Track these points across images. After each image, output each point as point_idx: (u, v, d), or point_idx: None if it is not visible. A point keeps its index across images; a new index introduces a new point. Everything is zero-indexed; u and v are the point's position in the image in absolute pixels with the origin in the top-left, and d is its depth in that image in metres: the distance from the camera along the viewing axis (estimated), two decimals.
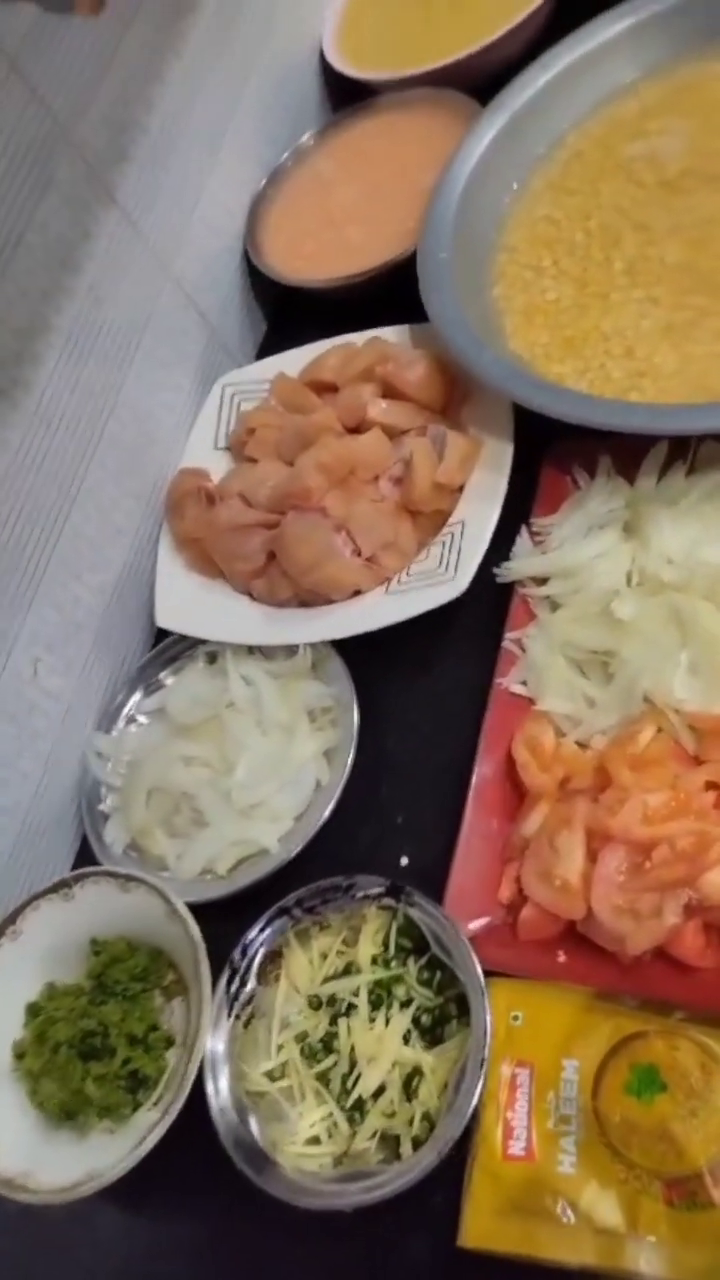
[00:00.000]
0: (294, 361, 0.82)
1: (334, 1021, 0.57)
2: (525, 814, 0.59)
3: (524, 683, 0.64)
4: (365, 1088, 0.54)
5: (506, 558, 0.68)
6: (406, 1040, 0.56)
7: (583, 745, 0.61)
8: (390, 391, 0.75)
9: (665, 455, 0.66)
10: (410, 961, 0.58)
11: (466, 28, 0.89)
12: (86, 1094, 0.58)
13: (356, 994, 0.57)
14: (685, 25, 0.79)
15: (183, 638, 0.76)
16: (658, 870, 0.52)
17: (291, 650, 0.71)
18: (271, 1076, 0.57)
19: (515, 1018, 0.54)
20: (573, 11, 0.83)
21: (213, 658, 0.75)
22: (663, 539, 0.62)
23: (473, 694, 0.65)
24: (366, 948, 0.59)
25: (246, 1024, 0.59)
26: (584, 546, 0.64)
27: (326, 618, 0.71)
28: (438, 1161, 0.50)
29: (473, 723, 0.64)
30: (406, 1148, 0.53)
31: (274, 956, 0.60)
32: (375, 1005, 0.57)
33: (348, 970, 0.59)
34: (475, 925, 0.57)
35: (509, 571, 0.67)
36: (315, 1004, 0.58)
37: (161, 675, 0.76)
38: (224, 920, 0.62)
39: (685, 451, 0.66)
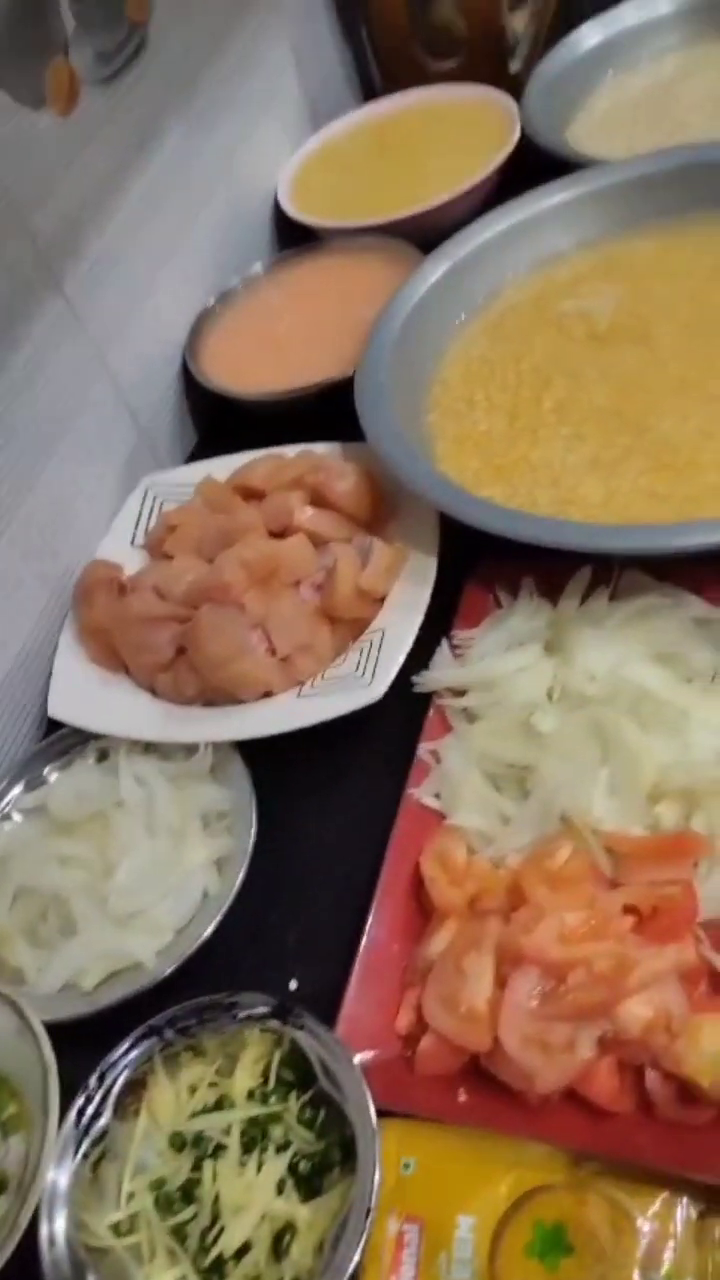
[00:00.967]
0: (222, 468, 0.81)
1: (198, 1166, 0.50)
2: (431, 934, 0.54)
3: (437, 795, 0.60)
4: (228, 1245, 0.46)
5: (426, 668, 0.65)
6: (280, 1190, 0.48)
7: (495, 865, 0.57)
8: (319, 500, 0.74)
9: (588, 582, 0.66)
10: (292, 1098, 0.51)
11: (415, 192, 0.95)
12: None
13: (228, 1132, 0.50)
14: (617, 206, 0.85)
15: (75, 732, 0.70)
16: (574, 994, 0.47)
17: (191, 750, 0.67)
18: (118, 1230, 0.49)
19: (406, 1165, 0.48)
20: (517, 185, 0.89)
21: (104, 754, 0.70)
22: (587, 656, 0.60)
23: (382, 807, 0.61)
24: (244, 1079, 0.52)
25: (95, 1165, 0.51)
26: (505, 660, 0.62)
27: (233, 718, 0.67)
28: None
29: (380, 838, 0.60)
30: None
31: (136, 1086, 0.53)
32: (248, 1148, 0.50)
33: (219, 1105, 0.51)
34: (366, 1056, 0.51)
35: (427, 681, 0.64)
36: (178, 1144, 0.51)
37: (46, 771, 0.70)
38: (82, 1045, 0.55)
39: (608, 578, 0.66)
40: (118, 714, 0.69)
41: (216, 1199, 0.48)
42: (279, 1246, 0.46)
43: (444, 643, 0.67)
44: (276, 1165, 0.49)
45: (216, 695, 0.68)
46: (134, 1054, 0.53)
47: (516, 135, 0.96)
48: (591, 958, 0.48)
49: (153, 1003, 0.56)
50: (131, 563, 0.78)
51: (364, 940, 0.55)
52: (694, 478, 0.67)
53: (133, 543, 0.80)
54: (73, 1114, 0.51)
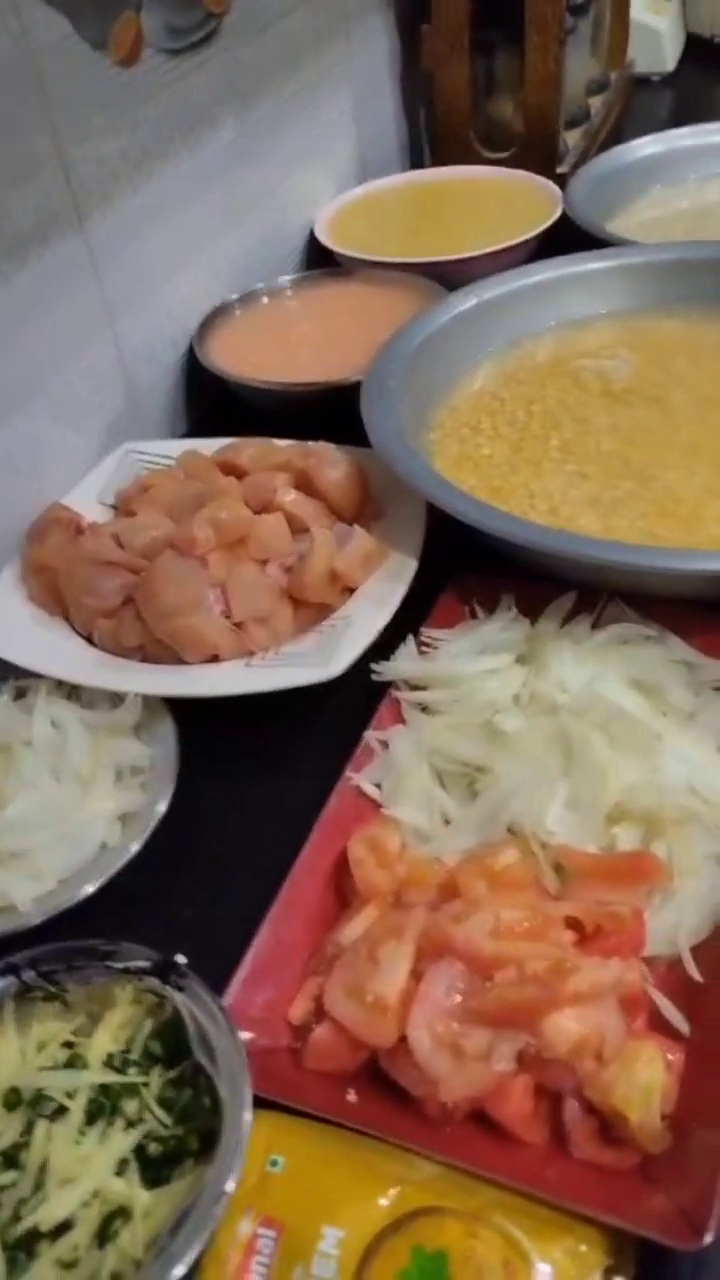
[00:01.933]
0: (209, 447, 0.78)
1: (29, 1129, 0.42)
2: (347, 919, 0.48)
3: (378, 785, 0.55)
4: (45, 1218, 0.38)
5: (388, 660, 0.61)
6: (122, 1171, 0.40)
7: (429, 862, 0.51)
8: (305, 487, 0.71)
9: (570, 608, 0.63)
10: (155, 1073, 0.44)
11: (449, 248, 0.96)
12: None
13: (72, 1096, 0.42)
14: (650, 284, 0.86)
15: None
16: (500, 990, 0.41)
17: (117, 700, 0.61)
18: None
19: (274, 1162, 0.40)
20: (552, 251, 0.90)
21: (22, 693, 0.64)
22: (562, 668, 0.57)
23: (318, 796, 0.55)
24: (103, 1040, 0.44)
25: None
26: (475, 660, 0.58)
27: (170, 675, 0.62)
28: None
29: (310, 826, 0.54)
30: None
31: None
32: (92, 1117, 0.42)
33: (70, 1066, 0.44)
34: (248, 1036, 0.44)
35: (388, 670, 0.60)
36: (11, 1101, 0.43)
37: None
38: None
39: (591, 607, 0.63)
40: (47, 652, 0.64)
41: (44, 1166, 0.40)
42: (106, 1232, 0.38)
43: (410, 639, 0.62)
44: (121, 1141, 0.41)
45: (159, 652, 0.63)
46: None
47: (559, 213, 0.98)
48: (526, 956, 0.42)
49: (15, 951, 0.49)
50: (96, 518, 0.74)
51: (268, 915, 0.49)
52: (697, 529, 0.65)
53: (101, 500, 0.76)
54: None
